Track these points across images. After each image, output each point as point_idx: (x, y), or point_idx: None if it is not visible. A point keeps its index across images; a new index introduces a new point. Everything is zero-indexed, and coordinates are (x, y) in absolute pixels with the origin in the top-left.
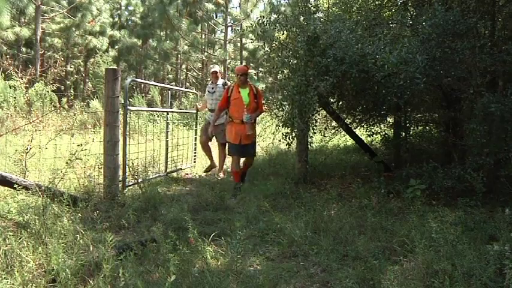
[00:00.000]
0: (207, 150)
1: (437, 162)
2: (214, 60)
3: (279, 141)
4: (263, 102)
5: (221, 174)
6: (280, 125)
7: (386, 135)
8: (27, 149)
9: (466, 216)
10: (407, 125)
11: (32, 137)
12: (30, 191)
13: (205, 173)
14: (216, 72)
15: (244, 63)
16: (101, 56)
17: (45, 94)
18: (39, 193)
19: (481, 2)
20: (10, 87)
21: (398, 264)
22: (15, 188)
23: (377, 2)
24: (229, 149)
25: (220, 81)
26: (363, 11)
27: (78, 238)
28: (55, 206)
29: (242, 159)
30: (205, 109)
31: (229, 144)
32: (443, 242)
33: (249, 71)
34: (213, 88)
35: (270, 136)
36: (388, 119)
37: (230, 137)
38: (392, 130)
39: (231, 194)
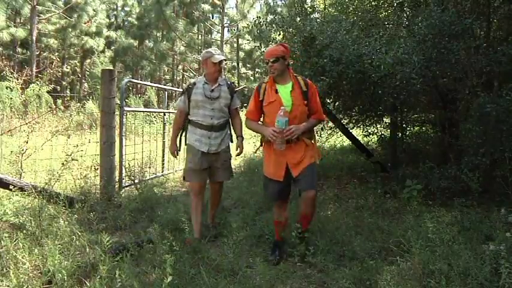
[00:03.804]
0: (198, 210)
1: (434, 163)
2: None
3: None
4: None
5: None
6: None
7: (382, 136)
8: (22, 150)
9: (462, 216)
10: (404, 125)
11: (28, 138)
12: (26, 192)
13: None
14: (223, 62)
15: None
16: (97, 56)
17: (40, 95)
18: (35, 194)
19: (477, 3)
20: (6, 88)
21: (395, 264)
22: (10, 189)
23: (373, 3)
24: (265, 190)
25: (222, 80)
26: (359, 11)
27: (75, 239)
28: (51, 207)
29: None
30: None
31: (265, 183)
32: (439, 242)
33: (286, 53)
34: (213, 90)
35: None
36: (385, 120)
37: (268, 169)
38: (388, 130)
39: (269, 254)
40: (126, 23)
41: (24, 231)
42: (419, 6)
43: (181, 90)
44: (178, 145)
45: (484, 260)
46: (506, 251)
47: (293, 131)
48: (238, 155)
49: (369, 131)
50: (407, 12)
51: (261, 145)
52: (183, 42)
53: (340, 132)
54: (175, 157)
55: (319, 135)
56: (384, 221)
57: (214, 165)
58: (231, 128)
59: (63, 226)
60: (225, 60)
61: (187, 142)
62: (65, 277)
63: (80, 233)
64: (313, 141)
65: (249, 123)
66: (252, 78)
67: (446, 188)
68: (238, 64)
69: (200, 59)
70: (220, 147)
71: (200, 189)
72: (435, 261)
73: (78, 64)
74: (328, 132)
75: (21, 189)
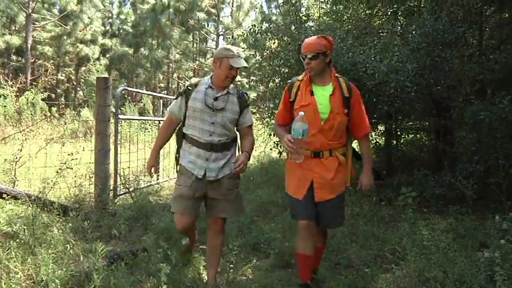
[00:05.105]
0: (191, 232)
1: (428, 170)
2: (206, 69)
3: (271, 149)
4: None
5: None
6: (272, 133)
7: (377, 143)
8: (16, 157)
9: (457, 223)
10: (398, 133)
11: (22, 146)
12: (19, 201)
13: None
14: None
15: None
16: (92, 64)
17: (35, 103)
18: (29, 203)
19: (469, 12)
20: (0, 95)
21: (390, 272)
22: (4, 198)
23: (367, 12)
24: (291, 210)
25: (232, 89)
26: (353, 20)
27: (69, 248)
28: (45, 216)
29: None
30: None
31: (291, 202)
32: (434, 250)
33: (329, 48)
34: (217, 99)
35: (262, 144)
36: (379, 127)
37: (290, 186)
38: (383, 138)
39: None
40: (121, 31)
41: (18, 240)
42: (413, 15)
43: (178, 91)
44: (158, 160)
45: (479, 267)
46: (501, 258)
47: (365, 184)
48: (237, 172)
49: None
50: (401, 21)
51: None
52: (178, 50)
53: None
54: (151, 175)
55: None
56: (379, 228)
57: (211, 195)
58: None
59: (57, 235)
60: (246, 67)
61: (180, 162)
62: (59, 286)
63: (74, 242)
64: (347, 158)
65: (275, 128)
66: (247, 86)
67: (441, 196)
68: None
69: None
70: (221, 173)
71: (187, 225)
72: (430, 269)
73: (73, 72)
74: None
75: (15, 197)
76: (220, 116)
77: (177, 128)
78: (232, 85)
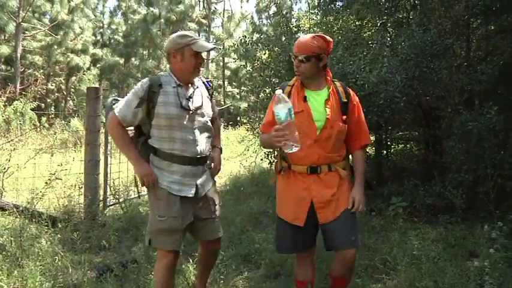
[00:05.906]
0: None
1: (418, 180)
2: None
3: (261, 159)
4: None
5: None
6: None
7: (367, 154)
8: (4, 168)
9: (447, 232)
10: (388, 143)
11: (10, 156)
12: (7, 212)
13: None
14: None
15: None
16: (83, 74)
17: (24, 112)
18: (17, 214)
19: (456, 24)
20: None
21: (381, 282)
22: None
23: (357, 23)
24: (276, 236)
25: (198, 81)
26: (343, 31)
27: (57, 260)
28: (33, 227)
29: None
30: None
31: (277, 226)
32: (424, 259)
33: (325, 50)
34: (190, 97)
35: (252, 155)
36: (369, 137)
37: (284, 208)
38: (373, 148)
39: None
40: (112, 41)
41: (4, 253)
42: (401, 26)
43: (136, 92)
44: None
45: (469, 276)
46: (490, 267)
47: (357, 201)
48: (214, 172)
49: None
50: (391, 32)
51: (278, 172)
52: None
53: None
54: (154, 185)
55: None
56: (370, 238)
57: (202, 215)
58: None
59: (45, 246)
60: (214, 48)
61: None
62: None
63: (62, 253)
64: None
65: (261, 137)
66: (238, 96)
67: (431, 205)
68: (224, 82)
69: (167, 53)
70: (207, 186)
71: (175, 260)
72: (421, 279)
73: (63, 81)
74: None
75: (2, 208)
76: (199, 117)
77: (140, 141)
78: (204, 78)
